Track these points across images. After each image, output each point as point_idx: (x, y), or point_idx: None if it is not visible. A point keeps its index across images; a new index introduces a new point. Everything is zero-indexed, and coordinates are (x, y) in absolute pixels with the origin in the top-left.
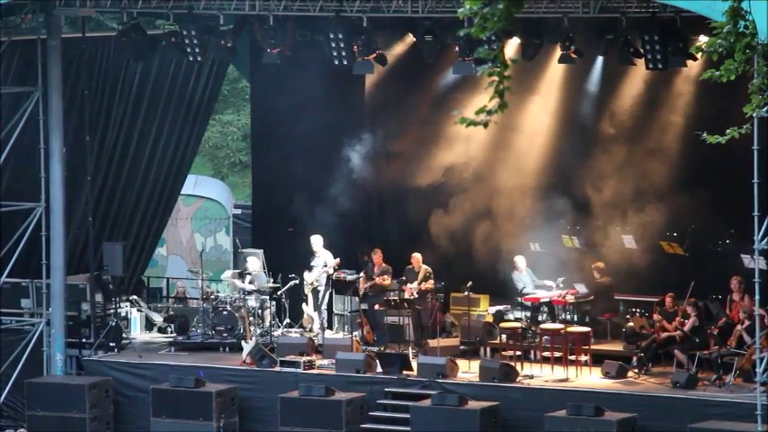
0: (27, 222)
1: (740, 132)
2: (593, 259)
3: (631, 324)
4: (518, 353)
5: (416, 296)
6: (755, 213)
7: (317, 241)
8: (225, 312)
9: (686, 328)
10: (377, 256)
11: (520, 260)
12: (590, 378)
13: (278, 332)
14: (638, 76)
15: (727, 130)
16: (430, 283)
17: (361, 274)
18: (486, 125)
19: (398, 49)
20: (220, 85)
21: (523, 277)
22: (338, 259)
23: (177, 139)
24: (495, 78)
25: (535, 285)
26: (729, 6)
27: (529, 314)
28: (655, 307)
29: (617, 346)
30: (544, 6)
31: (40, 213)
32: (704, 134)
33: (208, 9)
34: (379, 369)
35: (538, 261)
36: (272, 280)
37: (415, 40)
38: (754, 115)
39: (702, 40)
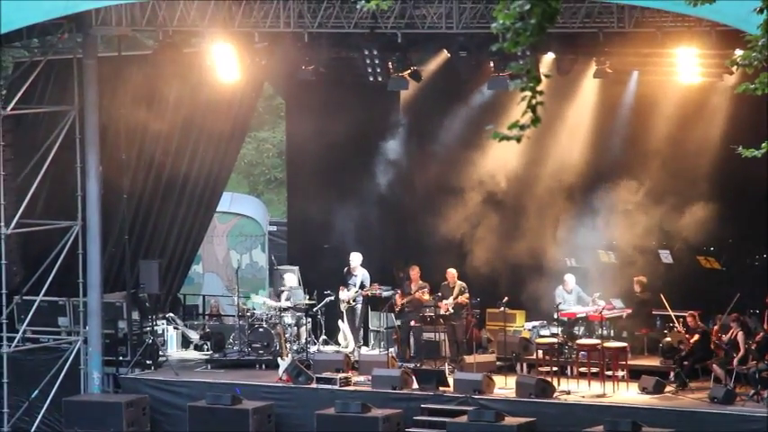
0: (64, 241)
1: None
2: (630, 274)
3: (668, 339)
4: (554, 368)
5: (452, 311)
6: None
7: (356, 258)
8: (261, 329)
9: (741, 346)
10: (414, 273)
11: (569, 278)
12: (627, 393)
13: (314, 349)
14: (673, 90)
15: (763, 144)
16: (465, 297)
17: (398, 290)
18: (518, 140)
19: (433, 65)
20: (256, 102)
21: (568, 296)
22: (376, 284)
23: (213, 157)
24: (528, 93)
25: (577, 302)
26: (764, 20)
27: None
28: (678, 320)
29: (654, 362)
30: (579, 21)
31: (76, 232)
32: (740, 148)
33: (243, 27)
34: (416, 385)
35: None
36: (308, 297)
37: (449, 55)
38: None
39: (738, 53)
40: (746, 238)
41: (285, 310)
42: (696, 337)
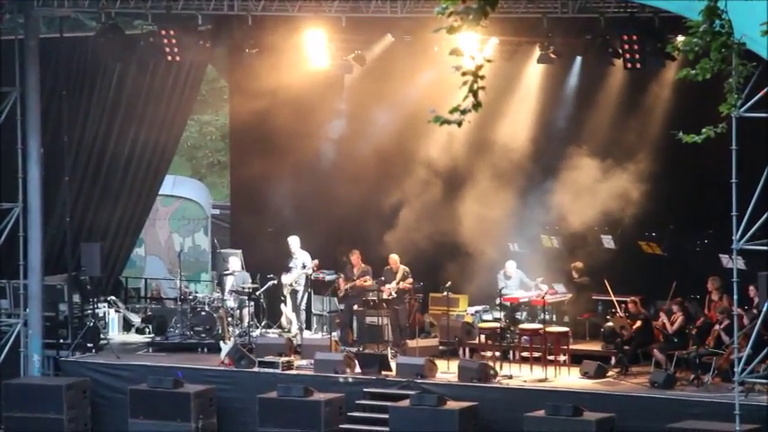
0: (4, 223)
1: (716, 132)
2: (572, 259)
3: (610, 324)
4: (497, 353)
5: (395, 296)
6: (733, 213)
7: (294, 242)
8: (203, 313)
9: (674, 328)
10: (355, 257)
11: (510, 265)
12: (569, 378)
13: (256, 333)
14: (616, 77)
15: (703, 130)
16: (408, 282)
17: (340, 275)
18: (459, 124)
19: (377, 49)
20: (199, 86)
21: (509, 282)
22: (316, 261)
23: (155, 140)
24: (470, 78)
25: (520, 287)
26: (705, 6)
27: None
28: (620, 305)
29: (596, 346)
30: (523, 6)
31: (17, 214)
32: (680, 133)
33: (186, 9)
34: (358, 369)
35: (516, 261)
36: (251, 280)
37: (393, 39)
38: (733, 115)
39: (680, 39)
40: (688, 223)
41: (231, 293)
42: (638, 323)
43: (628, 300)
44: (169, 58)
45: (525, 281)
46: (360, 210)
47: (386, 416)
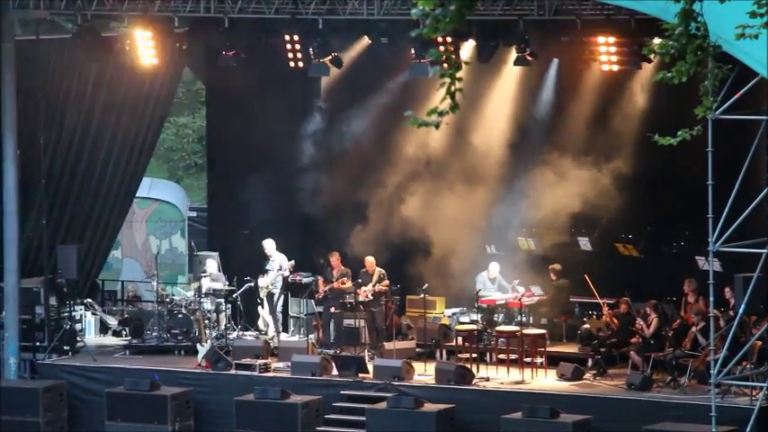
0: None
1: (691, 134)
2: (549, 261)
3: (587, 326)
4: (474, 355)
5: (371, 298)
6: (709, 215)
7: (269, 245)
8: (180, 315)
9: (650, 331)
10: (334, 259)
11: (494, 267)
12: (545, 380)
13: (233, 335)
14: (593, 79)
15: (679, 132)
16: (384, 285)
17: (319, 277)
18: (437, 126)
19: (354, 51)
20: (175, 88)
21: (490, 285)
22: (293, 261)
23: (132, 142)
24: (447, 80)
25: (497, 289)
26: (681, 8)
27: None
28: (607, 309)
29: (572, 348)
30: (499, 8)
31: None
32: (656, 136)
33: (162, 11)
34: (335, 372)
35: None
36: (227, 282)
37: (370, 42)
38: (709, 117)
39: (656, 42)
40: (664, 225)
41: (207, 295)
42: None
43: (621, 304)
44: (146, 60)
45: (502, 283)
46: (336, 212)
47: (363, 418)
